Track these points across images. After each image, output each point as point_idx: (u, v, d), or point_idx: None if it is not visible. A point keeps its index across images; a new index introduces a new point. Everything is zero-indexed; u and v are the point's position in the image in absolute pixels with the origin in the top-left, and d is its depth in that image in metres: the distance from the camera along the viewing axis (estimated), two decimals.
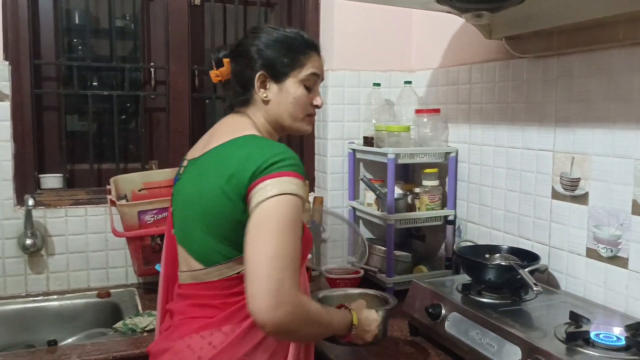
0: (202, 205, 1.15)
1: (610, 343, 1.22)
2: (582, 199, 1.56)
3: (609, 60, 1.47)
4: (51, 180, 2.10)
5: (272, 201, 1.05)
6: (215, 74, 1.31)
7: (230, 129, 1.24)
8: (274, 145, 1.15)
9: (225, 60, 1.30)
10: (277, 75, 1.25)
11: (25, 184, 2.02)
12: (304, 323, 1.07)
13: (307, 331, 1.11)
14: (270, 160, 1.09)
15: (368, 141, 2.14)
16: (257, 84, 1.25)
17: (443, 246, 2.15)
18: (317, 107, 1.31)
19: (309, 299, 1.13)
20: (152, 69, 2.22)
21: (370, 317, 1.29)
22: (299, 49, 1.26)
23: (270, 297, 1.00)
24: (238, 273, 1.14)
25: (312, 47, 1.28)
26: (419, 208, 2.07)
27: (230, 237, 1.13)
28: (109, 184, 1.98)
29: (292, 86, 1.25)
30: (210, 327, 1.14)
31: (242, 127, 1.24)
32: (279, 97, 1.25)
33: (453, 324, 1.47)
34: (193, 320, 1.17)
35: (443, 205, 2.09)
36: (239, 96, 1.29)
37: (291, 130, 1.30)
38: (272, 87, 1.25)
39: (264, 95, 1.25)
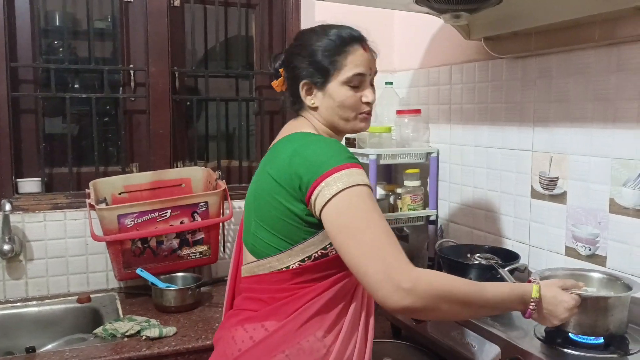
0: (256, 198, 1.20)
1: (590, 342, 1.23)
2: (561, 198, 1.57)
3: (586, 61, 1.48)
4: (29, 185, 2.07)
5: (342, 196, 1.04)
6: (275, 85, 1.34)
7: (288, 128, 1.27)
8: (323, 140, 1.15)
9: (281, 70, 1.31)
10: (318, 82, 1.23)
11: (2, 188, 1.99)
12: (435, 301, 1.00)
13: (446, 309, 1.02)
14: (326, 156, 1.09)
15: (350, 142, 2.13)
16: (302, 92, 1.25)
17: (426, 246, 2.15)
18: (368, 103, 1.26)
19: (442, 274, 1.06)
20: (131, 71, 2.20)
21: (560, 298, 1.14)
22: (335, 51, 1.22)
23: (383, 285, 0.98)
24: (288, 268, 1.14)
25: (351, 42, 1.23)
26: (401, 208, 2.07)
27: (281, 229, 1.14)
28: (89, 188, 1.96)
29: (335, 90, 1.22)
30: (254, 321, 1.15)
31: (298, 126, 1.25)
32: (325, 103, 1.24)
33: (435, 325, 1.47)
34: (241, 312, 1.20)
35: (425, 205, 2.09)
36: (294, 104, 1.30)
37: (347, 131, 1.28)
38: (317, 93, 1.24)
39: (311, 102, 1.25)
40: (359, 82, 1.23)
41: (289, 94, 1.31)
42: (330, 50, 1.21)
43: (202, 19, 2.38)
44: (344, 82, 1.21)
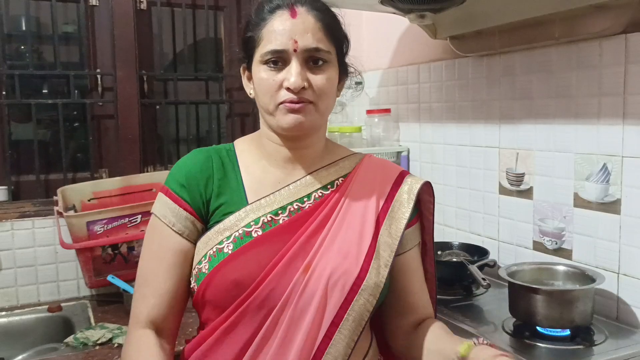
0: None
1: (556, 334, 1.26)
2: (527, 193, 1.60)
3: (548, 58, 1.51)
4: None
5: None
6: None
7: None
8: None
9: None
10: (246, 63, 1.01)
11: None
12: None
13: None
14: None
15: None
16: (244, 80, 1.03)
17: None
18: (290, 90, 0.92)
19: (139, 333, 0.99)
20: (98, 76, 2.17)
21: None
22: (255, 22, 0.96)
23: None
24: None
25: (276, 6, 0.94)
26: None
27: None
28: (57, 195, 1.93)
29: (255, 71, 0.96)
30: None
31: None
32: (255, 90, 0.99)
33: None
34: None
35: None
36: None
37: (276, 128, 0.97)
38: (252, 79, 1.00)
39: (249, 91, 1.02)
40: (281, 60, 0.93)
41: None
42: (252, 22, 0.97)
43: (169, 22, 2.36)
44: (260, 60, 0.94)
